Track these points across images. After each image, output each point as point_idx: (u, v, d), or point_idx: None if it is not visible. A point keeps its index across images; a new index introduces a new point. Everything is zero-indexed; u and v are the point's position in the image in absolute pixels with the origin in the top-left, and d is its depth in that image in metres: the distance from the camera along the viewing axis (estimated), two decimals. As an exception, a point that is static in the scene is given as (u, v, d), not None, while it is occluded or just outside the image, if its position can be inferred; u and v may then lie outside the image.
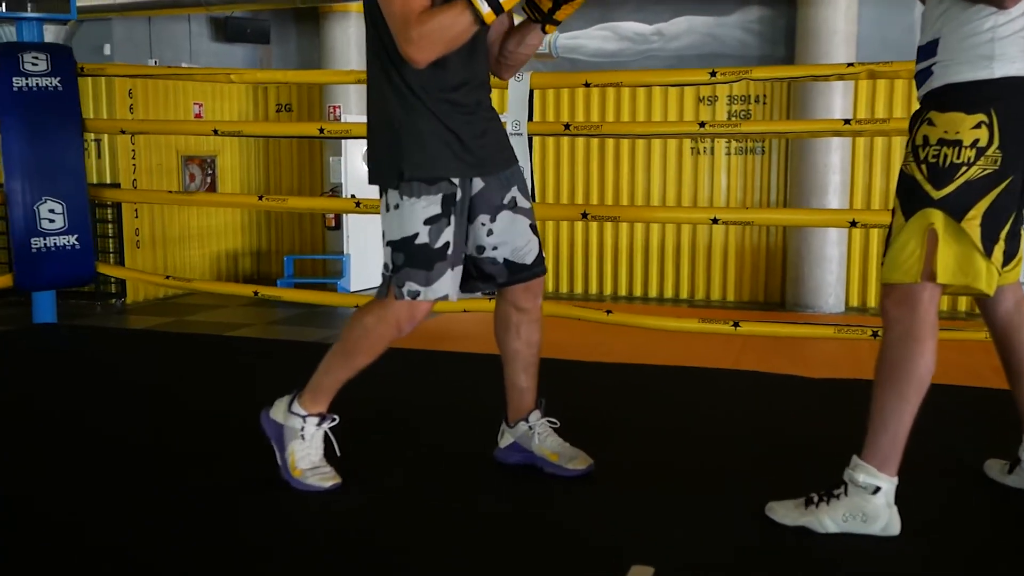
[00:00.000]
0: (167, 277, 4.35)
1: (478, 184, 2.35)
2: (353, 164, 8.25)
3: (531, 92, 3.30)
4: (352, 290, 8.41)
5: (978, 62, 1.99)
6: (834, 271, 7.48)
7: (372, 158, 2.36)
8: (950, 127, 2.00)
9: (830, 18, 7.44)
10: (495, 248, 2.39)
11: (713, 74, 3.11)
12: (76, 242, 4.36)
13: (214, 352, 4.34)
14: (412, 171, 2.24)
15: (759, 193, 7.89)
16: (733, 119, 7.60)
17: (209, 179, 8.58)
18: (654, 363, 3.86)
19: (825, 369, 3.80)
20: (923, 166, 2.03)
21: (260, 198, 4.59)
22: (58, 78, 4.25)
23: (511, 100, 3.31)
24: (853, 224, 3.22)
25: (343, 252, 8.50)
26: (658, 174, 7.95)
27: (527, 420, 2.52)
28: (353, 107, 8.69)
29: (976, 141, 1.97)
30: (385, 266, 2.33)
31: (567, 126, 3.29)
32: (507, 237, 2.39)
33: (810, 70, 3.48)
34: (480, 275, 2.44)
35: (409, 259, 2.26)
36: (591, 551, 2.05)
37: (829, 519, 2.07)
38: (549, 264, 7.99)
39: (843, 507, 2.06)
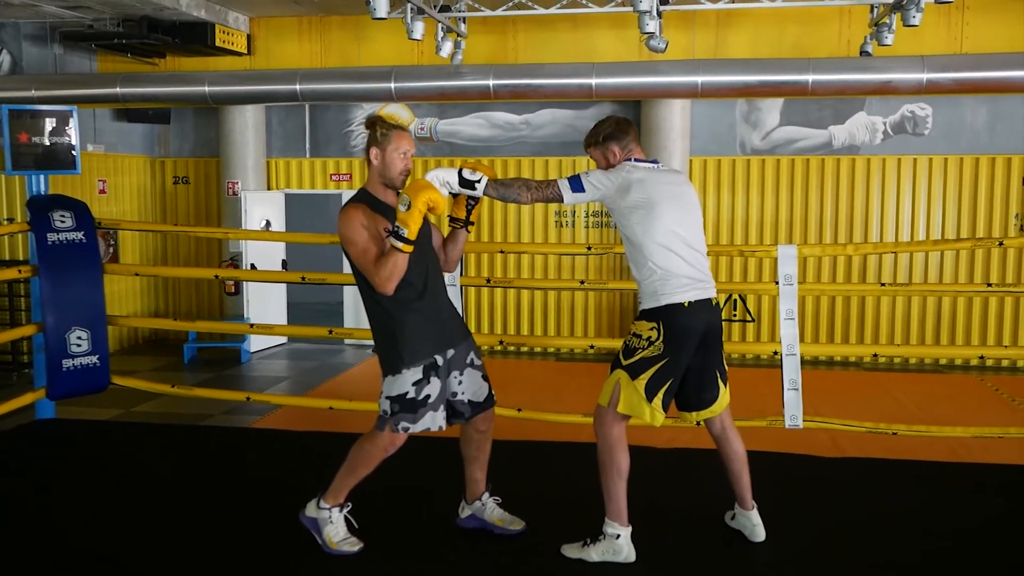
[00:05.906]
0: (172, 386, 5.18)
1: (450, 352, 3.45)
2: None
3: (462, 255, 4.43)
4: (253, 351, 9.14)
5: (652, 296, 3.39)
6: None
7: (381, 354, 3.43)
8: (639, 328, 3.37)
9: (669, 116, 8.92)
10: (463, 392, 3.51)
11: (589, 248, 4.32)
12: (97, 361, 5.24)
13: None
14: (410, 360, 3.32)
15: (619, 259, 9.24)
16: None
17: (112, 249, 9.07)
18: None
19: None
20: (625, 345, 3.43)
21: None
22: (82, 232, 5.19)
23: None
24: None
25: (243, 316, 9.18)
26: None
27: (480, 499, 3.70)
28: (251, 183, 9.37)
29: (650, 337, 3.35)
30: (384, 411, 3.39)
31: (488, 280, 4.41)
32: (469, 385, 3.53)
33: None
34: (453, 413, 3.54)
35: (402, 408, 3.36)
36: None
37: (595, 553, 3.37)
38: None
39: (602, 546, 3.37)
